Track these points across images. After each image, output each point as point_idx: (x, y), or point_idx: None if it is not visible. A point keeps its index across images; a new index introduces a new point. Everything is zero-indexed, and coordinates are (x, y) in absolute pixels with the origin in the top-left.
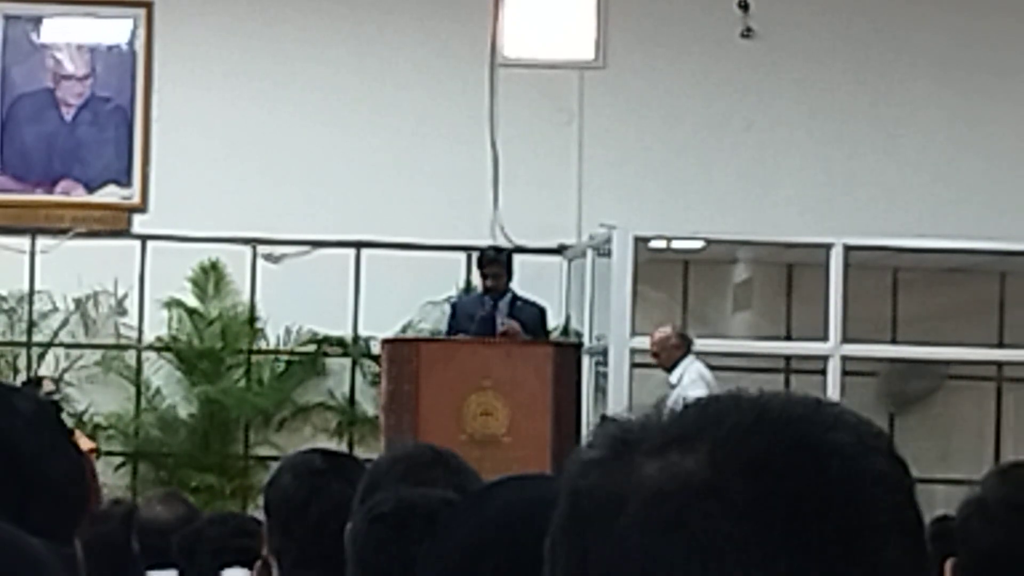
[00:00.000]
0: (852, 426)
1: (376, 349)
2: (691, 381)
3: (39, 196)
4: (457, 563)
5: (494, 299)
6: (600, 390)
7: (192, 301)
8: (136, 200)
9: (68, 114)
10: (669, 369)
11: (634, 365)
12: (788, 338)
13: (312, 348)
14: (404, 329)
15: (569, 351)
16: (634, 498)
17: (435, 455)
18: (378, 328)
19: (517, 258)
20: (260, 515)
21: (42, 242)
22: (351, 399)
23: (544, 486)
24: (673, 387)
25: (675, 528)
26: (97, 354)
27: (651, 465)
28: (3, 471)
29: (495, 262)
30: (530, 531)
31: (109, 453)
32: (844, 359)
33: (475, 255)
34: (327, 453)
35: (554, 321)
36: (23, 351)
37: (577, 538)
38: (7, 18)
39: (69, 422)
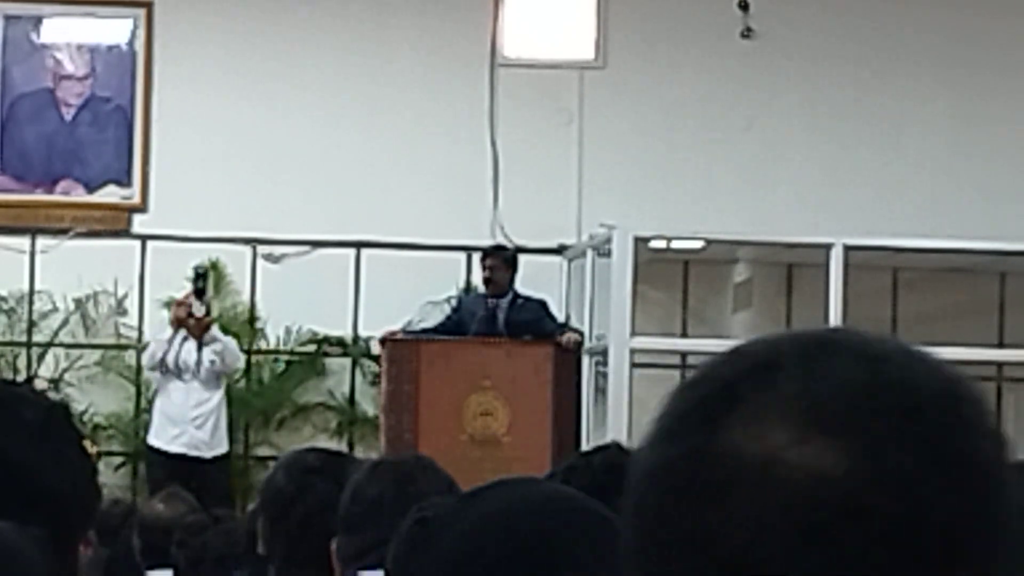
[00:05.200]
0: (993, 433)
1: (376, 349)
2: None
3: (39, 196)
4: (449, 566)
5: (495, 298)
6: (600, 390)
7: None
8: (136, 200)
9: (68, 114)
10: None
11: (634, 365)
12: None
13: (312, 348)
14: (403, 329)
15: (569, 351)
16: (769, 484)
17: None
18: (378, 328)
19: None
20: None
21: (42, 242)
22: (351, 399)
23: (535, 489)
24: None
25: (817, 540)
26: (97, 354)
27: (790, 450)
28: (4, 485)
29: (493, 255)
30: (521, 534)
31: (109, 453)
32: None
33: (476, 255)
34: (324, 452)
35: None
36: (23, 351)
37: (698, 506)
38: (7, 18)
39: None
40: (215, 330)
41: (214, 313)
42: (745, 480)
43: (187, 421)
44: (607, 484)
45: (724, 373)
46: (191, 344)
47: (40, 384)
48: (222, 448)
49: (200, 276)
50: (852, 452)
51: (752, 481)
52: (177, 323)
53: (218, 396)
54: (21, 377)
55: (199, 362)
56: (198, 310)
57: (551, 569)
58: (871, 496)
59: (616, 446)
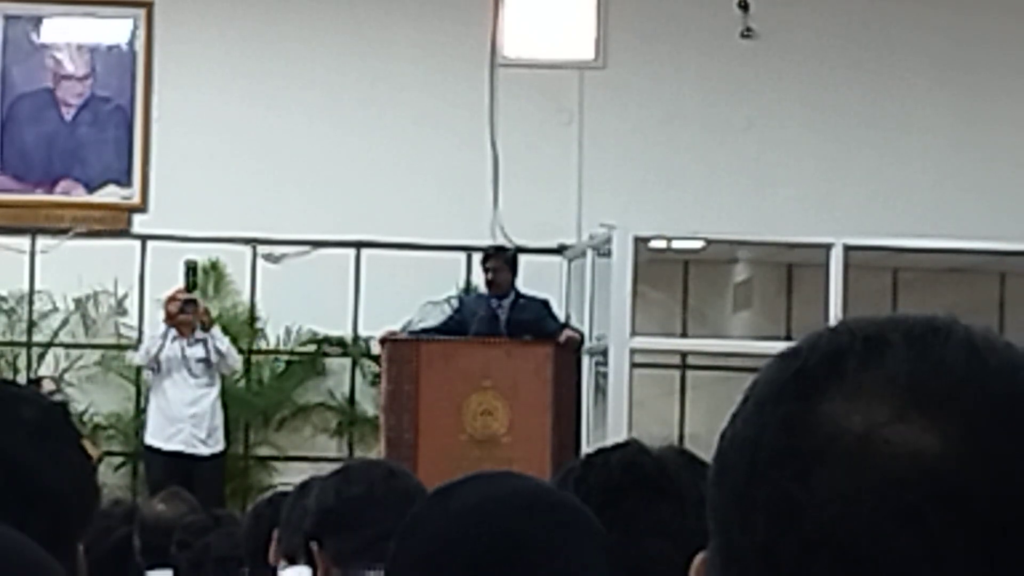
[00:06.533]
0: None
1: (376, 349)
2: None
3: (39, 196)
4: (423, 561)
5: (497, 298)
6: (600, 390)
7: None
8: (136, 200)
9: (68, 114)
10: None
11: (634, 365)
12: (788, 338)
13: (312, 348)
14: (403, 329)
15: (569, 351)
16: (864, 459)
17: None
18: (378, 328)
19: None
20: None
21: (42, 242)
22: (351, 399)
23: (509, 483)
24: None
25: (908, 520)
26: (97, 354)
27: (890, 427)
28: (3, 484)
29: (494, 256)
30: (495, 528)
31: (109, 453)
32: None
33: (476, 255)
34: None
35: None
36: (23, 351)
37: (787, 475)
38: (7, 18)
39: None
40: (216, 330)
41: (213, 313)
42: (839, 453)
43: (184, 419)
44: (624, 482)
45: (827, 346)
46: (184, 341)
47: (48, 385)
48: (219, 446)
49: (190, 270)
50: (952, 434)
51: (847, 454)
52: (169, 319)
53: (214, 393)
54: (21, 377)
55: (196, 359)
56: (182, 295)
57: (523, 569)
58: (968, 480)
59: (636, 444)
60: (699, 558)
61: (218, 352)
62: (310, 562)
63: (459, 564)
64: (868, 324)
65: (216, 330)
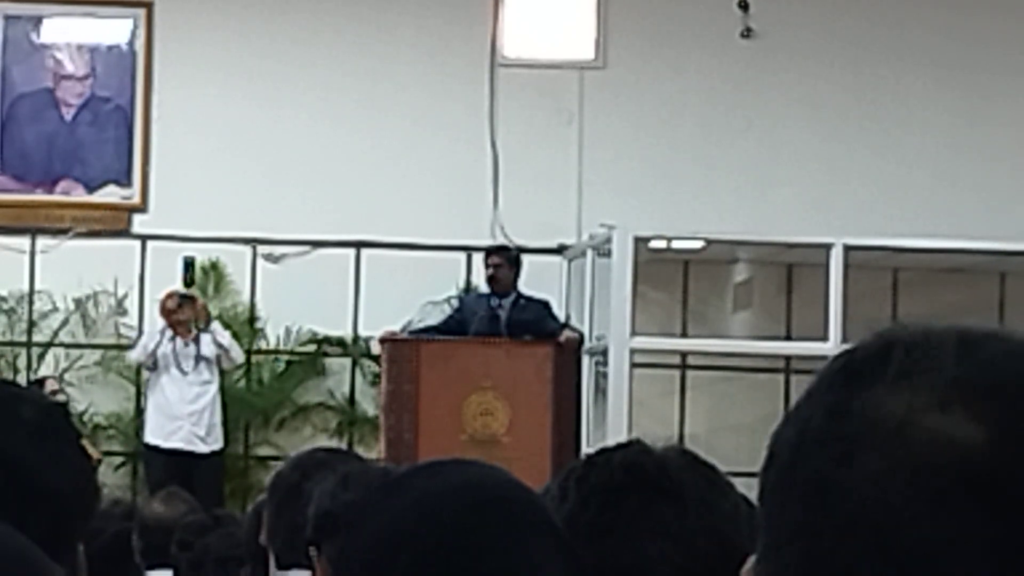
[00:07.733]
0: None
1: (376, 349)
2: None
3: (39, 196)
4: (376, 554)
5: (498, 298)
6: (600, 390)
7: None
8: (136, 200)
9: (68, 114)
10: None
11: (634, 365)
12: (788, 338)
13: (312, 348)
14: (403, 329)
15: (569, 351)
16: (902, 445)
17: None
18: (378, 328)
19: None
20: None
21: (42, 242)
22: (351, 399)
23: (460, 472)
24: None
25: (942, 507)
26: (97, 354)
27: (930, 414)
28: (3, 484)
29: (497, 253)
30: (447, 520)
31: (109, 453)
32: None
33: (476, 255)
34: (330, 448)
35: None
36: (23, 351)
37: (827, 458)
38: (7, 18)
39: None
40: (216, 324)
41: (213, 313)
42: (878, 437)
43: (183, 417)
44: (625, 482)
45: (877, 341)
46: (182, 340)
47: (51, 385)
48: (219, 443)
49: (188, 266)
50: (992, 425)
51: (884, 438)
52: (166, 316)
53: (213, 390)
54: (21, 377)
55: (194, 355)
56: (179, 291)
57: (469, 566)
58: (1004, 470)
59: (639, 444)
60: (749, 563)
61: (220, 346)
62: (310, 566)
63: (405, 560)
64: (923, 325)
65: (216, 325)
